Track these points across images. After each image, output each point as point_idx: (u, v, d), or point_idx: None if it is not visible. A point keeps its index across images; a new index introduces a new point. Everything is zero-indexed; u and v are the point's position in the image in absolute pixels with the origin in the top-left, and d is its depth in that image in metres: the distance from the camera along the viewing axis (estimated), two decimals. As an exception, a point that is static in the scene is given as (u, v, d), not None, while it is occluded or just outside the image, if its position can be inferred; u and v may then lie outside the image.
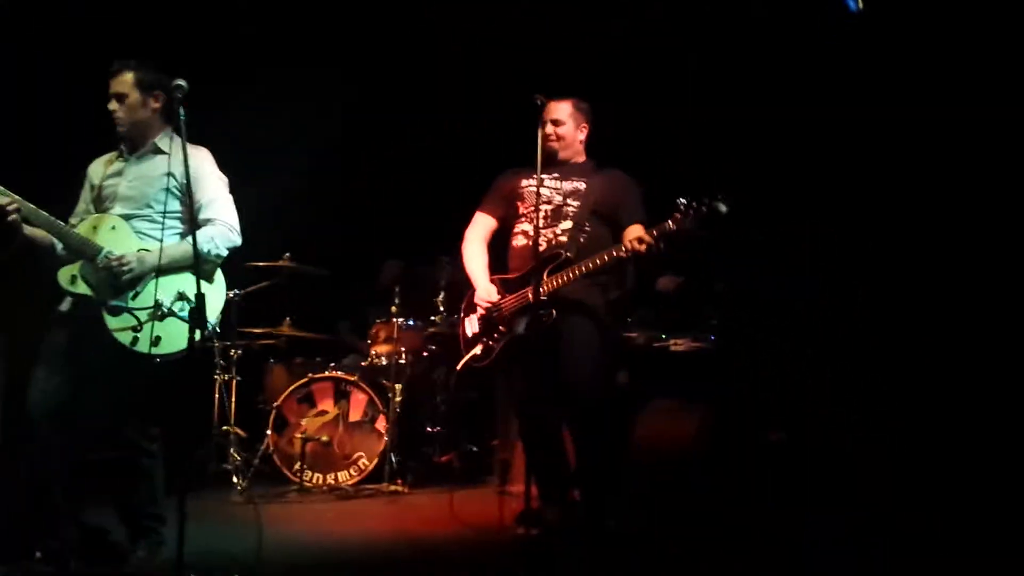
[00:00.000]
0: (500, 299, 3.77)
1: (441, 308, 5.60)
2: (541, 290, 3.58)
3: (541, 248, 3.69)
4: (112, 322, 3.20)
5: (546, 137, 3.76)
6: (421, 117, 6.11)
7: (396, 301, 5.45)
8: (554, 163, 3.85)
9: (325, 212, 6.02)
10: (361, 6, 5.58)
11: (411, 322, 5.53)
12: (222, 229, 3.38)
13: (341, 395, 5.14)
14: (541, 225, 3.70)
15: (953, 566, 3.33)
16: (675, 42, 5.35)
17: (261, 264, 5.18)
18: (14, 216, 3.16)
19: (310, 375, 5.16)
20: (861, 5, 4.49)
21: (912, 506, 3.99)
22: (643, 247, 3.51)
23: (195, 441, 4.92)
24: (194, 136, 3.09)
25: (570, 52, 5.35)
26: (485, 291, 3.81)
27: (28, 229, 3.25)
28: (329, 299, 5.89)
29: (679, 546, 3.74)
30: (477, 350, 3.79)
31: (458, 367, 3.84)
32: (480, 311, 3.80)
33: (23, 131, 4.72)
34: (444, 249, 5.55)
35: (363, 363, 5.47)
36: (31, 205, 3.22)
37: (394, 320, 5.38)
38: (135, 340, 3.18)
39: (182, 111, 2.99)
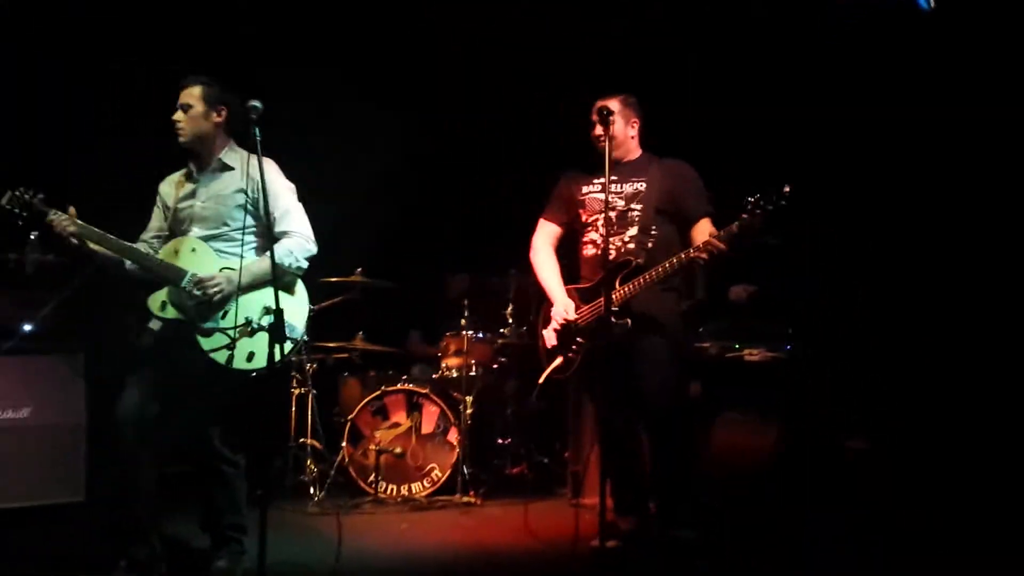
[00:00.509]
0: (576, 311, 3.77)
1: (510, 320, 5.61)
2: (614, 299, 3.56)
3: (611, 256, 3.67)
4: (206, 343, 3.29)
5: (596, 139, 3.76)
6: (487, 128, 6.14)
7: (465, 314, 5.48)
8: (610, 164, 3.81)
9: (395, 226, 6.09)
10: (422, 20, 5.64)
11: (480, 334, 5.56)
12: (299, 241, 3.45)
13: (413, 407, 5.19)
14: (607, 233, 3.68)
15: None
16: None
17: (334, 280, 5.27)
18: (70, 233, 3.28)
19: (383, 388, 5.22)
20: (933, 4, 4.40)
21: (1005, 514, 3.87)
22: (711, 251, 3.47)
23: (274, 453, 5.03)
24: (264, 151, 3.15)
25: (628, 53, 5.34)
26: (563, 305, 3.80)
27: (93, 246, 3.35)
28: (400, 313, 5.96)
29: (755, 558, 3.68)
30: (557, 362, 3.80)
31: (540, 379, 3.84)
32: (557, 324, 3.79)
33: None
34: (512, 261, 5.57)
35: (434, 375, 5.52)
36: (112, 237, 3.34)
37: (464, 333, 5.41)
38: (231, 358, 3.25)
39: (257, 131, 3.06)
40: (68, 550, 3.74)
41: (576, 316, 3.76)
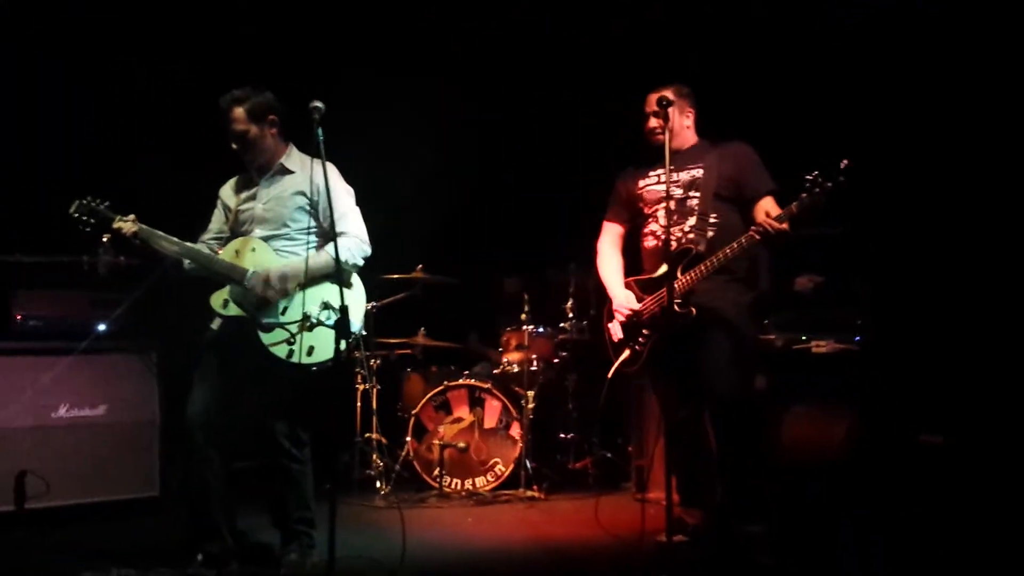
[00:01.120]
0: (639, 303, 3.74)
1: (570, 314, 5.59)
2: (676, 288, 3.52)
3: (672, 247, 3.63)
4: (266, 338, 3.36)
5: (650, 132, 3.73)
6: (546, 123, 6.13)
7: (525, 309, 5.48)
8: (661, 156, 3.68)
9: (455, 222, 6.12)
10: (482, 19, 5.64)
11: (541, 329, 5.55)
12: (355, 241, 3.51)
13: (476, 402, 5.21)
14: (668, 223, 3.63)
15: None
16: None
17: (395, 277, 5.32)
18: (130, 232, 3.40)
19: (446, 383, 5.25)
20: None
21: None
22: (766, 232, 3.41)
23: (341, 447, 5.09)
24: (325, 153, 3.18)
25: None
26: (624, 298, 3.77)
27: (156, 247, 3.45)
28: (461, 308, 5.99)
29: (823, 554, 3.61)
30: (624, 355, 3.76)
31: (608, 374, 3.79)
32: (622, 317, 3.77)
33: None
34: (572, 255, 5.55)
35: (495, 371, 5.53)
36: (174, 239, 3.44)
37: (524, 328, 5.42)
38: (291, 352, 3.33)
39: (320, 132, 3.10)
40: (144, 544, 3.84)
41: (639, 307, 3.73)
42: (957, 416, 4.19)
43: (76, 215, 3.44)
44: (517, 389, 5.27)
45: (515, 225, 6.29)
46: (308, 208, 3.49)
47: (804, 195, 3.35)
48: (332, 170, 3.53)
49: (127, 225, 3.43)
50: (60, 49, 4.97)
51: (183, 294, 3.78)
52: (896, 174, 4.80)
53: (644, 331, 3.72)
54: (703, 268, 3.56)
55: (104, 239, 3.78)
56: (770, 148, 3.76)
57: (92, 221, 3.44)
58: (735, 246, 3.51)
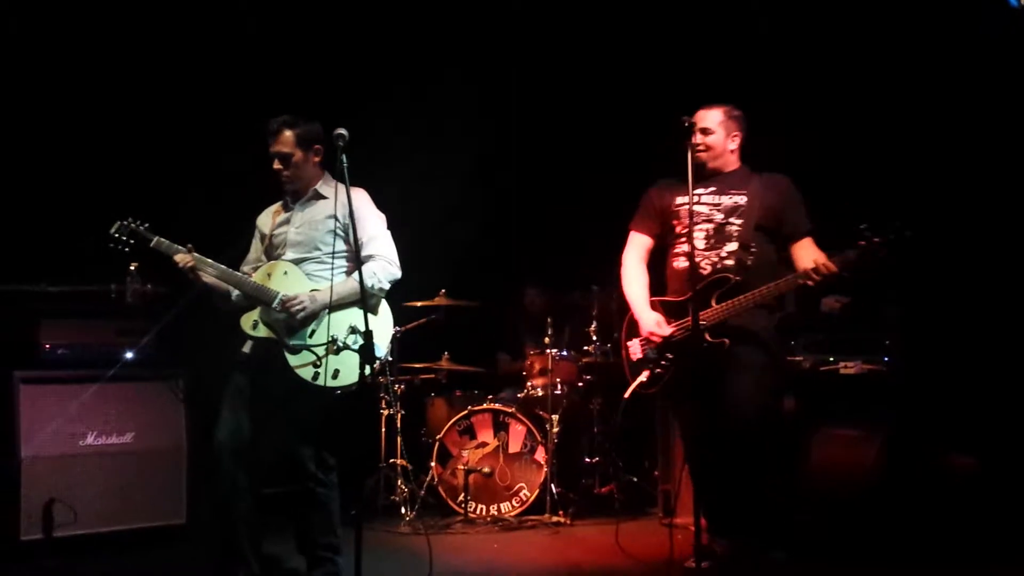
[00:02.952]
0: (668, 329, 3.66)
1: (594, 338, 5.58)
2: (710, 317, 3.48)
3: (705, 271, 3.59)
4: (293, 360, 3.38)
5: (694, 147, 3.64)
6: (567, 146, 6.15)
7: (549, 332, 5.47)
8: (705, 175, 3.72)
9: (477, 247, 6.14)
10: (495, 39, 5.69)
11: (565, 352, 5.54)
12: (382, 264, 3.53)
13: (500, 426, 5.19)
14: (703, 247, 3.61)
15: None
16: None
17: (419, 303, 5.34)
18: (188, 265, 3.44)
19: (470, 407, 5.24)
20: (1023, 1, 4.23)
21: None
22: (825, 275, 3.39)
23: (366, 473, 5.09)
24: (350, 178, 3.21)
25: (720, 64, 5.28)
26: (653, 322, 3.69)
27: (206, 277, 3.50)
28: (484, 332, 5.99)
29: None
30: (643, 377, 3.69)
31: (625, 394, 3.74)
32: (655, 338, 3.67)
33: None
34: (594, 278, 5.54)
35: (519, 395, 5.51)
36: (208, 260, 3.48)
37: (548, 351, 5.40)
38: (316, 375, 3.35)
39: (344, 158, 3.14)
40: (171, 573, 3.84)
41: (669, 332, 3.66)
42: (989, 437, 4.12)
43: (116, 235, 3.48)
44: (541, 413, 5.25)
45: (538, 248, 6.30)
46: (339, 232, 3.53)
47: (863, 243, 3.32)
48: (363, 195, 3.60)
49: (183, 258, 3.46)
50: (87, 81, 5.05)
51: (210, 322, 3.81)
52: (925, 191, 4.77)
53: (668, 355, 3.67)
54: (741, 301, 3.50)
55: (132, 267, 3.84)
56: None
57: (131, 242, 3.48)
58: (781, 284, 3.47)
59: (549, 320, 5.50)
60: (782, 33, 5.17)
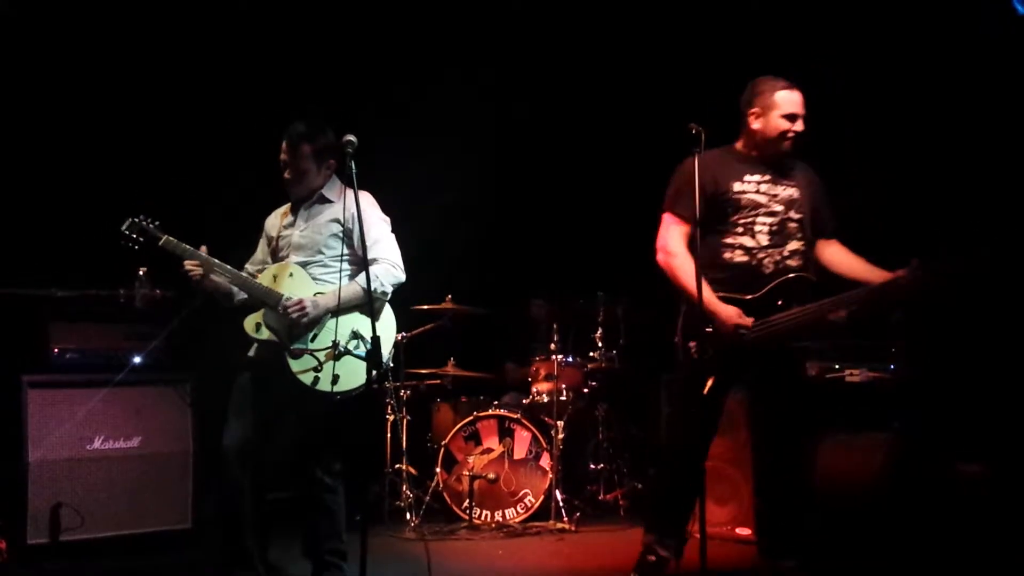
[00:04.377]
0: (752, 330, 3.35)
1: (599, 344, 5.58)
2: (792, 321, 3.33)
3: (768, 270, 3.39)
4: (294, 364, 3.39)
5: (783, 134, 3.39)
6: (573, 151, 6.16)
7: (555, 338, 5.48)
8: (764, 160, 3.44)
9: (483, 253, 6.15)
10: (500, 48, 5.71)
11: (570, 359, 5.54)
12: (386, 267, 3.53)
13: (505, 432, 5.19)
14: (766, 243, 3.38)
15: None
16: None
17: (425, 308, 5.35)
18: (197, 276, 3.44)
19: (475, 413, 5.25)
20: None
21: None
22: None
23: (371, 479, 5.09)
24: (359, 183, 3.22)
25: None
26: (736, 313, 3.31)
27: (216, 277, 3.50)
28: (490, 338, 6.00)
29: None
30: (710, 382, 3.35)
31: (704, 391, 3.32)
32: (730, 337, 3.33)
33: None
34: (600, 284, 5.55)
35: (525, 400, 5.52)
36: (215, 260, 3.49)
37: (554, 357, 5.41)
38: (316, 380, 3.35)
39: (353, 164, 3.14)
40: (177, 576, 3.85)
41: (754, 334, 3.31)
42: (995, 445, 4.11)
43: (127, 232, 3.48)
44: (547, 419, 5.25)
45: (543, 254, 6.31)
46: (343, 236, 3.54)
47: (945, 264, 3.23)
48: (368, 198, 3.60)
49: (194, 266, 3.45)
50: (95, 84, 5.07)
51: (218, 326, 3.82)
52: (930, 195, 4.76)
53: (739, 356, 3.34)
54: (824, 306, 3.31)
55: (141, 271, 3.85)
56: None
57: (141, 239, 3.49)
58: (879, 288, 3.32)
59: (555, 326, 5.50)
60: (778, 34, 5.18)
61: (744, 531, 4.44)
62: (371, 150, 3.44)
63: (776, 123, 3.40)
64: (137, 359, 4.41)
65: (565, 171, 6.21)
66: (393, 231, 3.66)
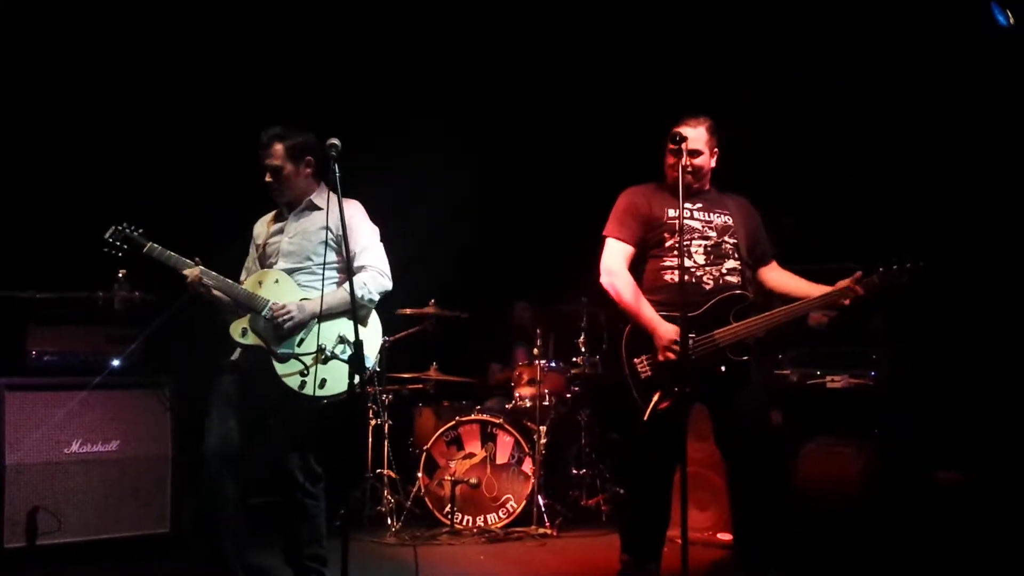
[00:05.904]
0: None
1: (583, 349, 5.59)
2: (727, 335, 3.44)
3: (708, 287, 3.52)
4: (280, 368, 3.37)
5: (683, 169, 3.47)
6: (555, 157, 6.17)
7: (538, 343, 5.48)
8: (691, 192, 3.62)
9: (467, 258, 6.14)
10: (487, 53, 5.71)
11: (553, 364, 5.54)
12: (373, 274, 3.53)
13: (488, 437, 5.18)
14: (703, 262, 3.54)
15: None
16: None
17: (408, 311, 5.34)
18: (195, 283, 3.43)
19: (457, 418, 5.23)
20: (1012, 20, 4.29)
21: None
22: (871, 290, 3.45)
23: (352, 483, 5.07)
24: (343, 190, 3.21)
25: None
26: (675, 332, 3.40)
27: (206, 281, 3.47)
28: (473, 342, 5.99)
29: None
30: (656, 396, 3.43)
31: (645, 416, 3.42)
32: (664, 353, 3.44)
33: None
34: (583, 290, 5.55)
35: (507, 405, 5.51)
36: (202, 267, 3.46)
37: (537, 362, 5.41)
38: (303, 384, 3.34)
39: (336, 168, 3.13)
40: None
41: (697, 346, 3.43)
42: (975, 452, 4.14)
43: (110, 239, 3.46)
44: (529, 424, 5.25)
45: (526, 259, 6.31)
46: (331, 243, 3.53)
47: (895, 268, 3.43)
48: (356, 206, 3.60)
49: (193, 273, 3.43)
50: (79, 87, 5.03)
51: (197, 329, 3.79)
52: (912, 203, 4.80)
53: (680, 372, 3.36)
54: (773, 317, 3.47)
55: (120, 274, 3.82)
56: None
57: (125, 247, 3.47)
58: (817, 300, 3.50)
59: (539, 331, 5.50)
60: (778, 34, 5.21)
61: (725, 536, 4.44)
62: (359, 155, 3.44)
63: (682, 161, 3.48)
64: (116, 362, 4.38)
65: (549, 176, 6.22)
66: (381, 237, 3.65)
